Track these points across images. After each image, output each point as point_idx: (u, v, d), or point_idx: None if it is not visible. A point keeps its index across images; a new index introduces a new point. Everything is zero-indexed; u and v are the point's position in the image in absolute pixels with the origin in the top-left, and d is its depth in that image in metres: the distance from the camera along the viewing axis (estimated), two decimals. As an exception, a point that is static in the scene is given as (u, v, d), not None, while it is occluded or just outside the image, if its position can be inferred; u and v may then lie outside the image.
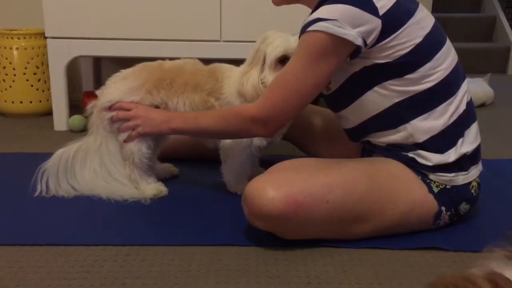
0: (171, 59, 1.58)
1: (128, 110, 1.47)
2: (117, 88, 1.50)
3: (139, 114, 1.46)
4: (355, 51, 1.17)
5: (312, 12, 1.21)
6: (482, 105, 2.88)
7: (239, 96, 1.47)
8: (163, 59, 1.58)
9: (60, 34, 2.16)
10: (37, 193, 1.49)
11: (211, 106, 1.49)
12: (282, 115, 1.24)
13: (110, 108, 1.49)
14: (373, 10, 1.14)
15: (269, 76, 1.40)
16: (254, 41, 1.47)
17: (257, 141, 1.49)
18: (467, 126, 1.27)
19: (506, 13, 4.65)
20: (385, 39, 1.16)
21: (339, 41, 1.14)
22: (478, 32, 4.61)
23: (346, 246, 1.21)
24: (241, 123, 1.27)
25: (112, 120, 1.49)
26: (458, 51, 1.32)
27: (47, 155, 1.52)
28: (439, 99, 1.23)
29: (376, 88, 1.22)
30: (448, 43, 1.27)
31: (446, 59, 1.23)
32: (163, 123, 1.43)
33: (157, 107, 1.50)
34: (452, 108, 1.23)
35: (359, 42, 1.14)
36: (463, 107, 1.26)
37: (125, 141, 1.49)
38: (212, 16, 2.14)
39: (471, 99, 1.31)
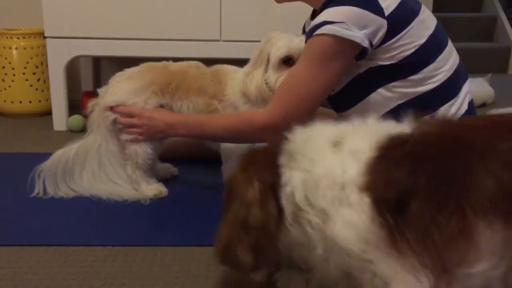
0: (173, 59, 1.58)
1: (132, 115, 1.46)
2: (121, 88, 1.49)
3: (143, 122, 1.44)
4: (362, 53, 1.16)
5: (317, 12, 1.20)
6: (483, 105, 2.87)
7: (243, 97, 1.46)
8: (163, 59, 1.58)
9: (59, 33, 2.16)
10: (34, 194, 1.48)
11: (215, 109, 1.48)
12: (292, 120, 1.23)
13: (113, 109, 1.47)
14: (378, 11, 1.14)
15: (273, 77, 1.40)
16: (254, 41, 1.46)
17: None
18: (469, 126, 1.27)
19: (507, 13, 4.64)
20: (390, 39, 1.16)
21: (346, 43, 1.13)
22: (479, 32, 4.60)
23: (347, 246, 1.20)
24: (251, 131, 1.27)
25: (115, 122, 1.49)
26: (459, 51, 1.31)
27: (46, 155, 1.52)
28: (441, 100, 1.22)
29: (379, 90, 1.22)
30: (450, 44, 1.27)
31: (448, 60, 1.23)
32: (167, 130, 1.42)
33: (161, 106, 1.50)
34: (454, 109, 1.23)
35: (365, 44, 1.13)
36: (464, 107, 1.25)
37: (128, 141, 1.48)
38: (212, 16, 2.14)
39: (472, 99, 1.31)
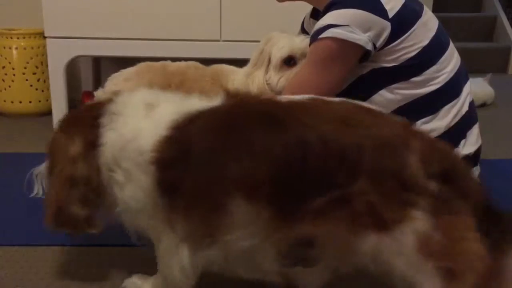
0: (173, 59, 1.57)
1: None
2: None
3: None
4: (365, 55, 1.17)
5: (318, 11, 1.20)
6: (483, 105, 2.88)
7: None
8: (163, 59, 1.57)
9: (59, 33, 2.15)
10: (34, 194, 1.48)
11: None
12: None
13: None
14: (382, 13, 1.14)
15: (275, 77, 1.39)
16: (254, 41, 1.46)
17: None
18: (469, 127, 1.27)
19: (507, 13, 4.64)
20: (394, 41, 1.16)
21: (351, 47, 1.14)
22: (479, 32, 4.60)
23: (347, 247, 1.20)
24: None
25: None
26: (459, 51, 1.31)
27: (46, 155, 1.51)
28: (443, 101, 1.22)
29: (382, 92, 1.22)
30: (451, 44, 1.27)
31: (450, 61, 1.23)
32: None
33: None
34: (455, 109, 1.23)
35: (369, 46, 1.14)
36: (465, 108, 1.26)
37: None
38: (212, 16, 2.14)
39: (472, 100, 1.31)
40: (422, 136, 0.79)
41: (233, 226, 0.81)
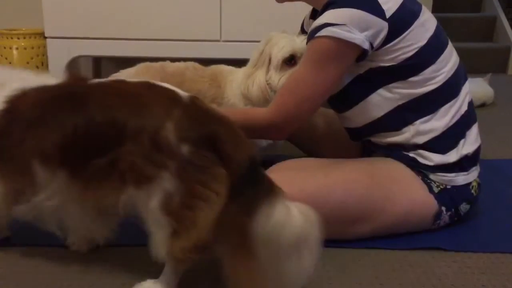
0: (172, 59, 1.58)
1: None
2: None
3: None
4: (362, 54, 1.17)
5: (317, 11, 1.21)
6: (482, 105, 2.88)
7: (243, 98, 1.46)
8: (163, 59, 1.57)
9: (60, 34, 2.16)
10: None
11: None
12: (295, 120, 1.23)
13: None
14: (380, 13, 1.14)
15: (275, 77, 1.39)
16: (254, 41, 1.46)
17: (257, 142, 1.49)
18: (468, 127, 1.27)
19: (506, 13, 4.64)
20: (391, 41, 1.16)
21: (347, 46, 1.14)
22: (478, 32, 4.60)
23: (346, 246, 1.21)
24: (257, 128, 1.26)
25: None
26: (458, 51, 1.31)
27: None
28: (442, 100, 1.23)
29: (380, 91, 1.22)
30: (450, 44, 1.27)
31: (448, 61, 1.23)
32: None
33: None
34: (454, 109, 1.23)
35: (366, 46, 1.14)
36: (464, 108, 1.26)
37: None
38: (212, 16, 2.14)
39: (471, 100, 1.31)
40: (188, 106, 0.92)
41: (38, 187, 0.96)
